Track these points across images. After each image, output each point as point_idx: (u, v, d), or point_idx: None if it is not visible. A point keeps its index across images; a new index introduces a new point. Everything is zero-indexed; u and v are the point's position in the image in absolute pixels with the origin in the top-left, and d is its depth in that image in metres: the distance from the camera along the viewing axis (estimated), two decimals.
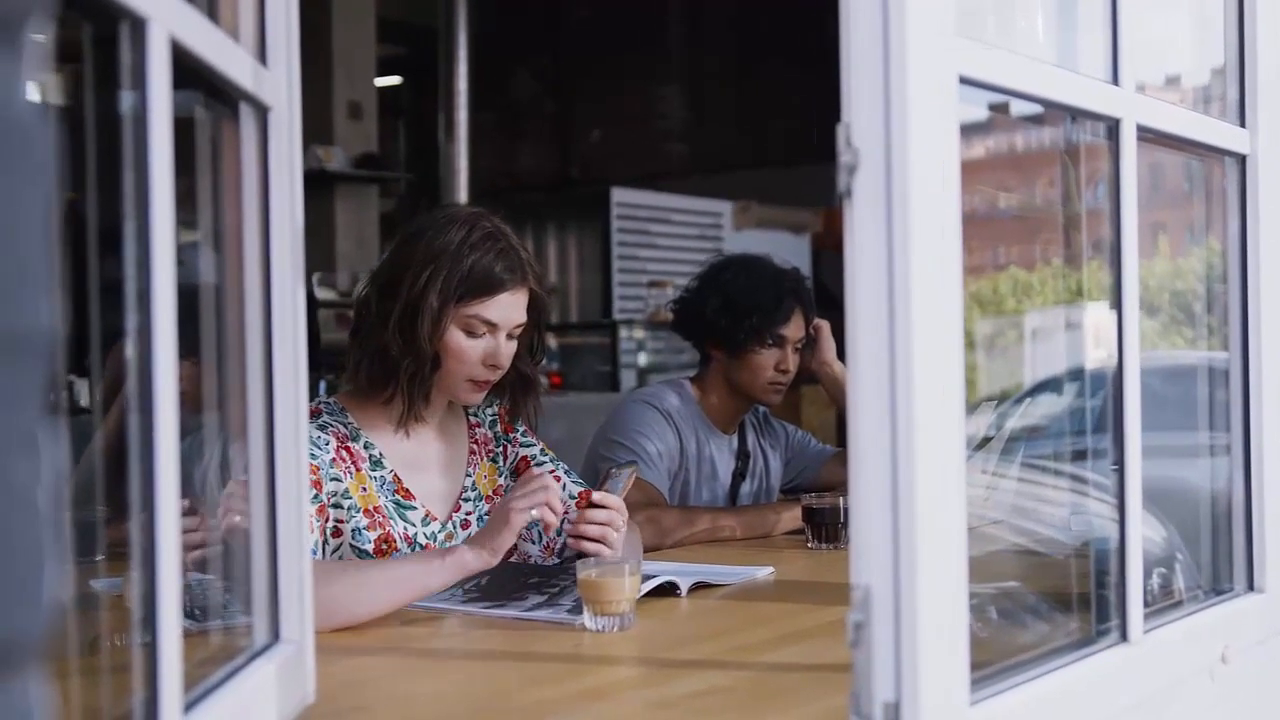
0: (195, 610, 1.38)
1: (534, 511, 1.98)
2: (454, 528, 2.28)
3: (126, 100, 1.02)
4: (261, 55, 1.35)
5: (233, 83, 1.25)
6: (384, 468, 2.22)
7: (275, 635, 1.37)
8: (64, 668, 1.09)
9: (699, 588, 2.18)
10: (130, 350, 1.01)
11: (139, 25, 1.00)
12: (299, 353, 1.40)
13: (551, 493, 2.01)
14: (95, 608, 1.41)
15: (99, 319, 1.08)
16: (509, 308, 2.21)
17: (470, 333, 2.19)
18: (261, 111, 1.35)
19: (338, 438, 2.17)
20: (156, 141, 1.02)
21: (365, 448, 2.22)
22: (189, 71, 1.12)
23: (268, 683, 1.30)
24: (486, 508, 2.33)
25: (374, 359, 2.20)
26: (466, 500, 2.33)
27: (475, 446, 2.38)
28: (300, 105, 1.42)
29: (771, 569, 2.36)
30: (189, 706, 1.10)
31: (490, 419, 2.42)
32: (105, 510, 1.39)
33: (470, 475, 2.34)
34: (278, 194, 1.37)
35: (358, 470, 2.19)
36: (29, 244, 0.57)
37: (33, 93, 0.60)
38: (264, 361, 1.36)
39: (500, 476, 2.38)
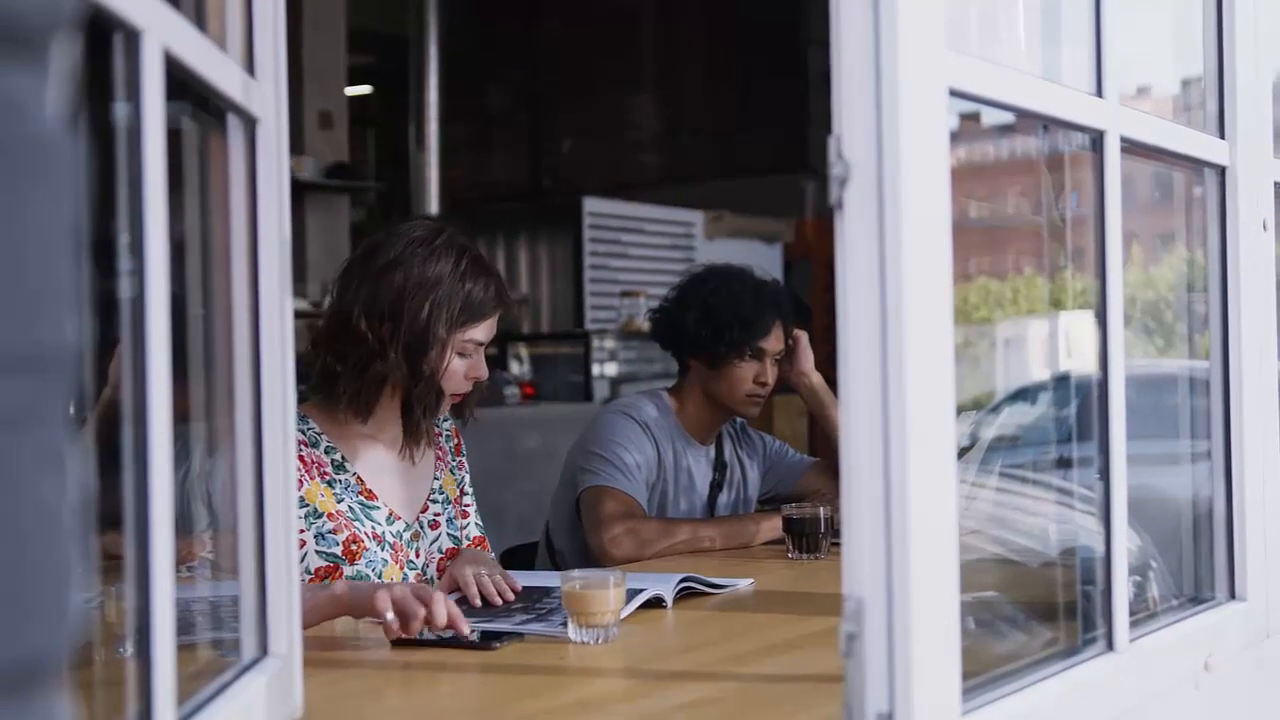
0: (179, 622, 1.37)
1: (389, 616, 1.80)
2: (421, 527, 2.36)
3: (119, 111, 1.01)
4: (250, 66, 1.35)
5: (222, 94, 1.24)
6: (347, 471, 2.28)
7: (263, 650, 1.36)
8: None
9: (685, 595, 2.18)
10: (124, 363, 1.01)
11: (133, 37, 0.99)
12: (287, 364, 1.39)
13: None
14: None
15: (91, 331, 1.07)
16: (493, 326, 2.33)
17: (462, 354, 2.29)
18: (250, 123, 1.34)
19: None
20: (150, 153, 1.01)
21: (327, 452, 2.27)
22: (178, 82, 1.11)
23: (257, 697, 1.29)
24: (453, 511, 2.43)
25: (376, 386, 2.25)
26: (435, 501, 2.41)
27: (440, 453, 2.46)
28: (287, 116, 1.41)
29: (751, 580, 2.36)
30: None
31: (446, 434, 2.50)
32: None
33: (438, 479, 2.42)
34: (265, 206, 1.37)
35: (313, 479, 2.23)
36: (56, 260, 0.57)
37: (57, 108, 0.59)
38: (252, 376, 1.36)
39: (456, 487, 2.48)
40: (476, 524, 2.50)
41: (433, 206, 8.35)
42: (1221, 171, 1.84)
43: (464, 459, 2.53)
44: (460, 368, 2.29)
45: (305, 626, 1.86)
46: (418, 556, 2.33)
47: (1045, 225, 1.86)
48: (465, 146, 9.79)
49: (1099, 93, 1.53)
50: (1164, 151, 1.75)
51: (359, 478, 2.28)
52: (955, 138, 1.51)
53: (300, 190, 7.29)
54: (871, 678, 1.17)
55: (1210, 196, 1.86)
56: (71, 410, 1.34)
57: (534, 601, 2.12)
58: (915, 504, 1.16)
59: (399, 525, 2.31)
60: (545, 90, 10.24)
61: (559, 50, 10.07)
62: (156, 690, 1.01)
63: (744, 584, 2.34)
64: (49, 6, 0.58)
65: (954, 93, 1.25)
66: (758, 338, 2.99)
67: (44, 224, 0.57)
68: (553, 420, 6.17)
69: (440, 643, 1.86)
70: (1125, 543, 1.54)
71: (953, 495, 1.22)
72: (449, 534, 2.40)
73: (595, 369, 7.37)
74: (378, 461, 2.33)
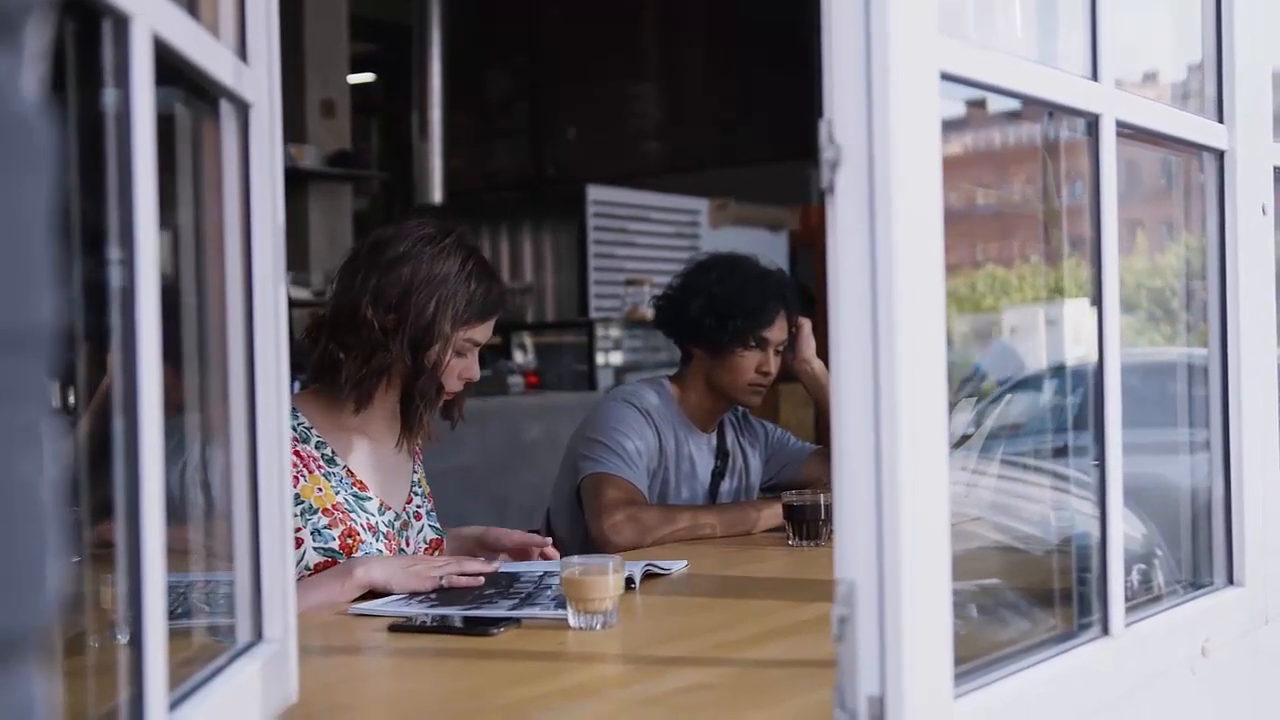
0: (175, 609, 1.38)
1: (443, 581, 2.13)
2: (408, 517, 2.41)
3: (108, 97, 1.01)
4: (242, 52, 1.35)
5: (214, 80, 1.24)
6: (338, 464, 2.30)
7: (258, 634, 1.37)
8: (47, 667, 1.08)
9: (649, 577, 2.23)
10: (114, 352, 1.01)
11: (122, 22, 0.99)
12: (281, 353, 1.39)
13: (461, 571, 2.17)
14: (73, 608, 1.41)
15: (80, 320, 1.08)
16: (490, 329, 2.37)
17: (459, 353, 2.32)
18: (242, 109, 1.34)
19: None
20: (139, 139, 1.01)
21: (317, 447, 2.30)
22: (169, 68, 1.11)
23: (251, 682, 1.29)
24: (430, 505, 2.48)
25: (377, 376, 2.28)
26: (416, 494, 2.45)
27: (416, 450, 2.49)
28: (280, 103, 1.41)
29: (685, 563, 2.39)
30: (173, 705, 1.10)
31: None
32: (82, 511, 1.38)
33: (416, 473, 2.47)
34: (259, 192, 1.37)
35: (311, 472, 2.25)
36: (32, 239, 0.57)
37: (32, 89, 0.60)
38: (246, 362, 1.36)
39: (427, 483, 2.52)
40: (432, 526, 2.51)
41: (436, 195, 8.36)
42: (1220, 156, 1.83)
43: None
44: (456, 366, 2.32)
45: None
46: (408, 545, 2.36)
47: (1058, 212, 1.86)
48: (468, 135, 9.80)
49: (1094, 76, 1.52)
50: (1161, 136, 1.75)
51: (349, 470, 2.31)
52: (962, 124, 1.51)
53: (303, 179, 7.30)
54: (863, 660, 1.17)
55: (1209, 181, 1.85)
56: (72, 399, 1.34)
57: (507, 587, 2.12)
58: (906, 487, 1.16)
59: (389, 515, 2.35)
60: (548, 79, 10.24)
61: (562, 38, 10.07)
62: (148, 674, 1.01)
63: (679, 566, 2.38)
64: None
65: (946, 76, 1.24)
66: (761, 327, 2.98)
67: (19, 205, 0.57)
68: (557, 409, 6.17)
69: (438, 629, 1.87)
70: (1121, 528, 1.54)
71: (944, 478, 1.22)
72: (430, 525, 2.45)
73: (600, 358, 7.38)
74: (364, 454, 2.36)
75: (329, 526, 2.23)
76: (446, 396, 2.35)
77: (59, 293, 0.61)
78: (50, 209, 0.60)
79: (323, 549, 2.21)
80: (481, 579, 2.15)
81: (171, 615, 1.14)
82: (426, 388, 2.29)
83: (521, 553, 2.42)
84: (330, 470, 2.28)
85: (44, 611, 0.59)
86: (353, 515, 2.26)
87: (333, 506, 2.24)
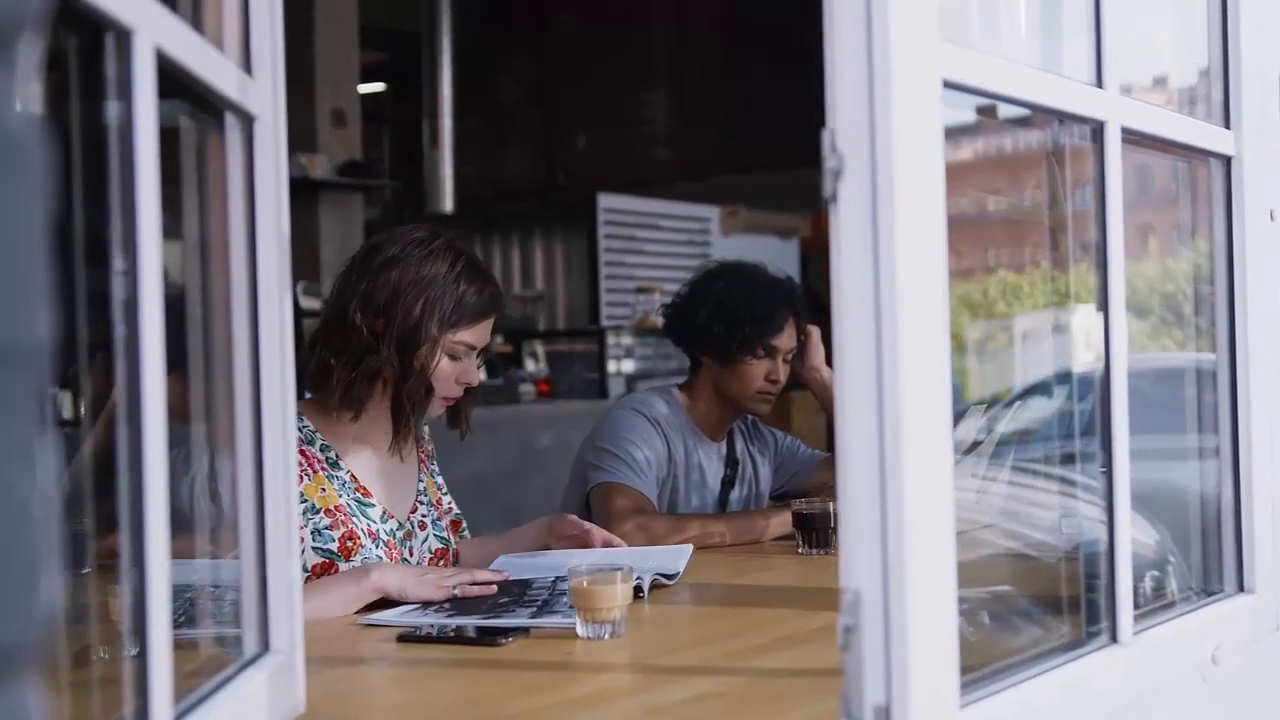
0: (181, 618, 1.38)
1: (456, 591, 2.12)
2: (412, 527, 2.40)
3: (111, 110, 1.02)
4: (246, 65, 1.35)
5: (218, 92, 1.25)
6: (342, 469, 2.31)
7: (265, 645, 1.37)
8: (54, 679, 1.09)
9: (656, 587, 2.22)
10: (118, 362, 1.01)
11: (124, 36, 1.00)
12: (286, 363, 1.39)
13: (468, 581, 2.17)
14: (82, 620, 1.41)
15: (85, 331, 1.08)
16: (487, 331, 2.36)
17: (453, 356, 2.31)
18: (247, 121, 1.35)
19: None
20: (142, 151, 1.01)
21: (321, 450, 2.30)
22: (173, 81, 1.12)
23: (258, 693, 1.30)
24: (436, 513, 2.47)
25: (367, 380, 2.27)
26: (422, 503, 2.44)
27: (423, 457, 2.49)
28: (285, 114, 1.42)
29: (690, 548, 2.41)
30: (179, 717, 1.10)
31: (425, 439, 2.55)
32: (91, 522, 1.39)
33: (422, 482, 2.46)
34: (264, 203, 1.37)
35: (315, 473, 2.26)
36: (26, 255, 0.57)
37: (27, 104, 0.60)
38: (251, 372, 1.36)
39: (438, 490, 2.51)
40: (438, 535, 2.50)
41: (447, 204, 8.37)
42: (1227, 161, 1.83)
43: (435, 465, 2.56)
44: (450, 370, 2.31)
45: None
46: (411, 555, 2.36)
47: (1065, 218, 1.85)
48: (479, 143, 9.79)
49: (1099, 83, 1.52)
50: (1168, 142, 1.74)
51: (353, 475, 2.31)
52: (973, 131, 1.51)
53: (314, 189, 7.30)
54: (869, 670, 1.17)
55: (1216, 186, 1.85)
56: (83, 410, 1.35)
57: (520, 595, 2.12)
58: (911, 495, 1.16)
59: (391, 524, 2.35)
60: (558, 86, 10.22)
61: (572, 46, 10.06)
62: (153, 686, 1.01)
63: (685, 551, 2.40)
64: (14, 6, 0.58)
65: (948, 84, 1.24)
66: (770, 335, 2.98)
67: (13, 221, 0.57)
68: (568, 417, 6.17)
69: (446, 639, 1.87)
70: (1129, 535, 1.53)
71: (949, 486, 1.22)
72: (435, 535, 2.45)
73: (611, 366, 7.38)
74: (368, 461, 2.36)
75: (330, 527, 2.23)
76: (446, 401, 2.34)
77: (57, 308, 0.61)
78: (45, 225, 0.60)
79: (322, 549, 2.21)
80: (494, 588, 2.15)
81: (177, 624, 1.14)
82: (414, 390, 2.28)
83: (580, 541, 2.44)
84: (333, 474, 2.29)
85: (39, 625, 0.59)
86: (354, 519, 2.27)
87: (335, 508, 2.25)
